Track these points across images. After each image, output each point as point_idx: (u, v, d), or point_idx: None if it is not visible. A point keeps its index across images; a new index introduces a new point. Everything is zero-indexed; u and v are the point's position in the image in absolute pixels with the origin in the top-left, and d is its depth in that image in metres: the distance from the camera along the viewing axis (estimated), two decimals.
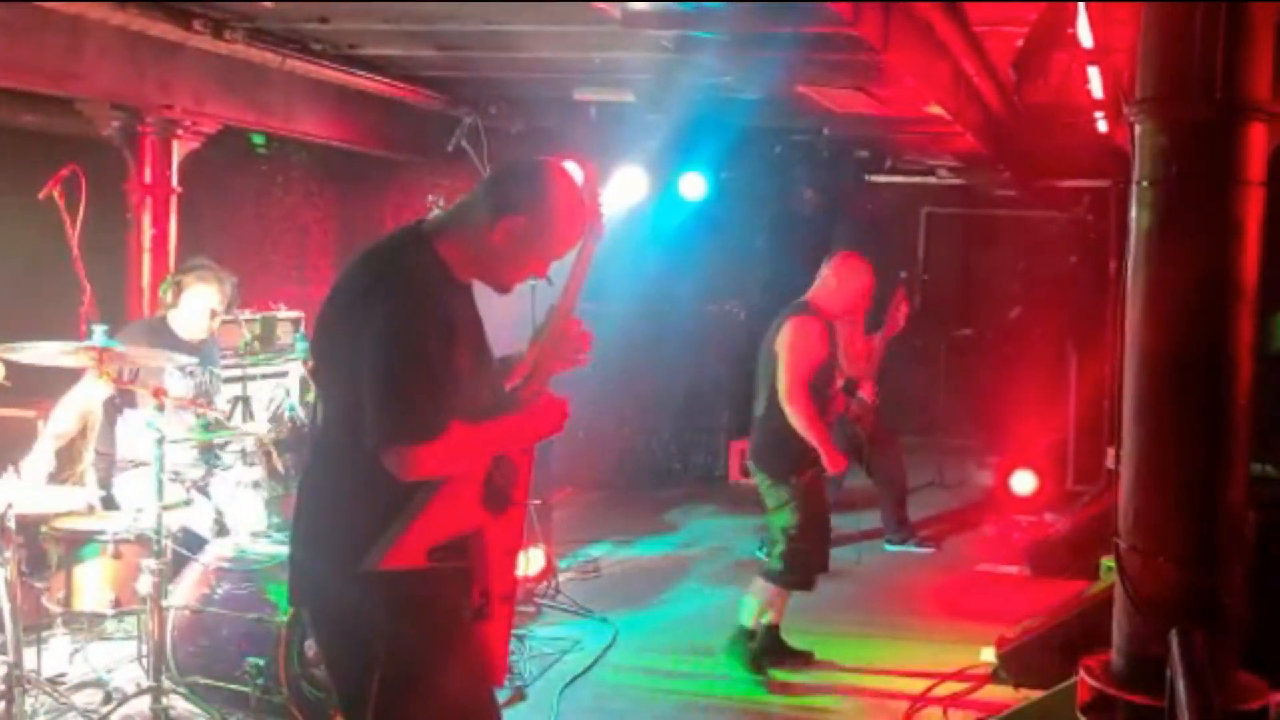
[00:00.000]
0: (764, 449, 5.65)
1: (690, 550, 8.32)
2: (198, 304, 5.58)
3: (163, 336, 5.50)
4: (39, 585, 4.95)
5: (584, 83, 7.63)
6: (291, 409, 5.36)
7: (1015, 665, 5.50)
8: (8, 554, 4.40)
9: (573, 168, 3.13)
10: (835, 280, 5.68)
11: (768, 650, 5.77)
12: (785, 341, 5.48)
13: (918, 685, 5.40)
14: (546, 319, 3.17)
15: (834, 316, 5.68)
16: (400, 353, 2.75)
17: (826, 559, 5.76)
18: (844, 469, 5.77)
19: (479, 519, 2.95)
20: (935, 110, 7.23)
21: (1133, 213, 3.64)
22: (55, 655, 5.14)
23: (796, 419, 5.40)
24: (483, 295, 3.08)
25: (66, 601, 4.85)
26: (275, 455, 5.13)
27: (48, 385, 5.61)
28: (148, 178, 6.41)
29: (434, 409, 2.76)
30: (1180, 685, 3.32)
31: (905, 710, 5.31)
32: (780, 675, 5.78)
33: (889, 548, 8.28)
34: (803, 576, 5.59)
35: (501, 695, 3.84)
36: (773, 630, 5.79)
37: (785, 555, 5.52)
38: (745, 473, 10.56)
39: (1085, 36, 5.79)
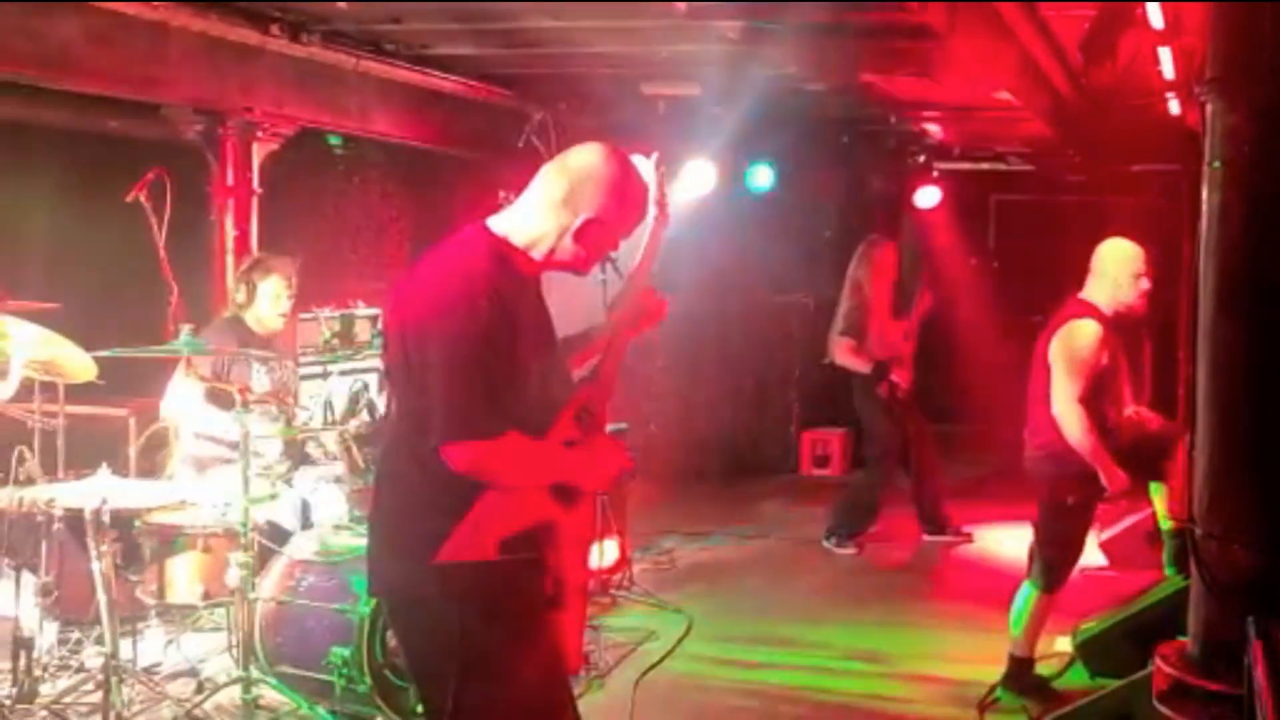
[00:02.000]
0: None
1: (763, 541, 8.36)
2: (272, 295, 5.69)
3: (240, 333, 5.64)
4: (134, 578, 5.08)
5: (651, 77, 7.68)
6: (370, 404, 5.48)
7: (1092, 654, 5.48)
8: (104, 548, 4.55)
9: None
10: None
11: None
12: None
13: (992, 675, 5.39)
14: (623, 290, 3.22)
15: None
16: (463, 354, 2.80)
17: None
18: None
19: (550, 511, 2.99)
20: (1003, 96, 7.20)
21: (1204, 194, 3.60)
22: (150, 646, 5.29)
23: None
24: (551, 285, 3.13)
25: (159, 594, 4.97)
26: (356, 450, 5.25)
27: (135, 384, 5.79)
28: (229, 180, 6.54)
29: (489, 410, 2.80)
30: (1258, 672, 3.30)
31: (980, 699, 5.31)
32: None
33: (927, 537, 8.24)
34: None
35: (578, 685, 3.91)
36: None
37: None
38: (816, 464, 10.62)
39: (1155, 17, 5.72)
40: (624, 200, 3.02)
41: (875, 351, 7.85)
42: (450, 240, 3.06)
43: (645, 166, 3.17)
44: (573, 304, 3.39)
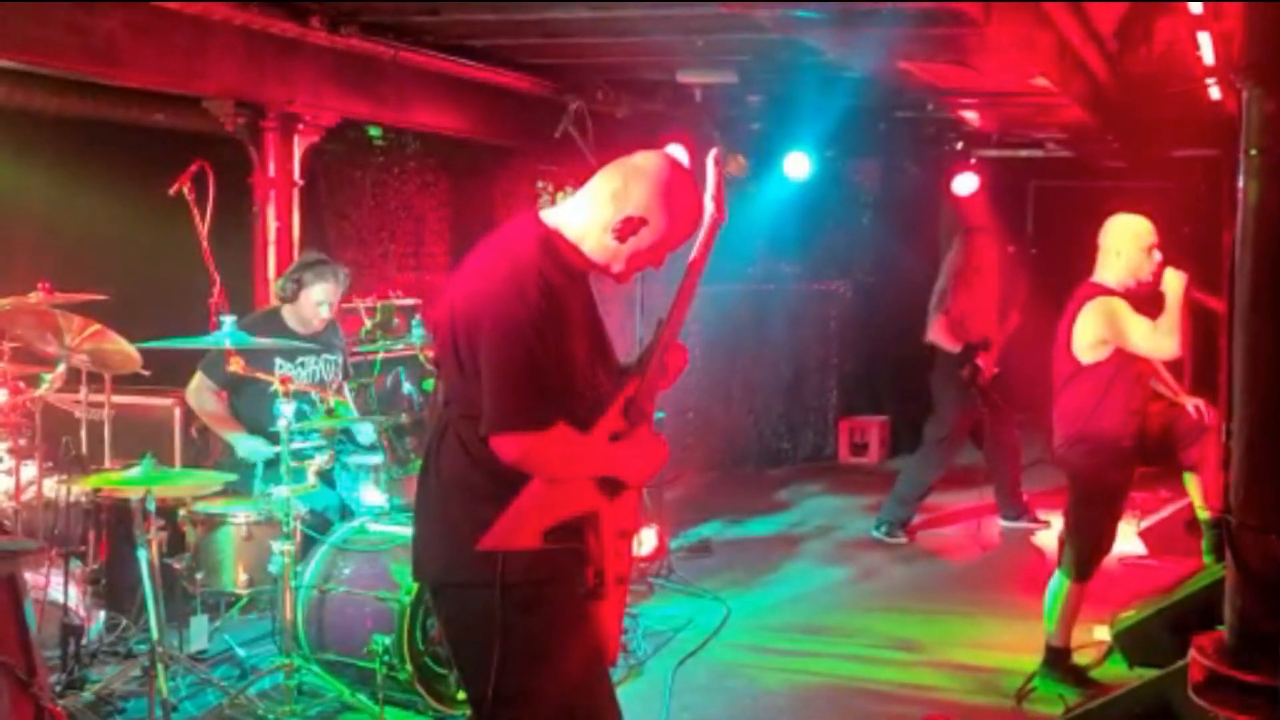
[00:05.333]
0: None
1: (800, 529, 8.37)
2: (315, 300, 5.71)
3: (276, 328, 5.66)
4: (178, 566, 5.16)
5: (687, 65, 7.68)
6: (409, 393, 5.52)
7: (1130, 644, 5.46)
8: (149, 536, 4.62)
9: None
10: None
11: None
12: None
13: (1030, 664, 5.39)
14: (654, 337, 3.16)
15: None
16: (513, 344, 2.83)
17: None
18: None
19: (594, 501, 3.02)
20: (1040, 82, 7.15)
21: (1241, 182, 3.57)
22: (195, 633, 5.34)
23: None
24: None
25: (204, 581, 5.05)
26: (394, 440, 5.30)
27: (179, 375, 5.87)
28: (271, 172, 6.60)
29: (539, 401, 2.83)
30: None
31: (1017, 688, 5.31)
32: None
33: (1004, 524, 8.26)
34: None
35: (617, 673, 3.94)
36: None
37: None
38: (854, 451, 10.62)
39: (1194, 3, 5.68)
40: (672, 206, 3.01)
41: (967, 334, 7.93)
42: (501, 230, 3.09)
43: (704, 162, 3.16)
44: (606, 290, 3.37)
